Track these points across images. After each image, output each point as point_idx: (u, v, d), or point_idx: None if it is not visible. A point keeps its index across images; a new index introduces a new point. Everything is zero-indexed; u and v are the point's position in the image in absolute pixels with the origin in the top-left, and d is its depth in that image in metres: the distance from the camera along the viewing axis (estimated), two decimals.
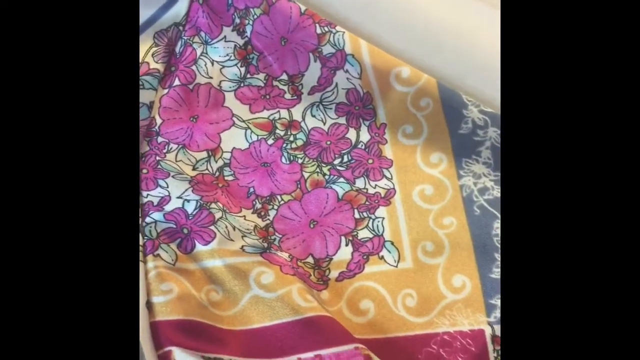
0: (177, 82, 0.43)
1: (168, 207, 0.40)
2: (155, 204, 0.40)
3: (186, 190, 0.41)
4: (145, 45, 0.44)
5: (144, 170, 0.41)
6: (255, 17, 0.44)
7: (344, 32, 0.44)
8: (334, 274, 0.41)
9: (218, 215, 0.40)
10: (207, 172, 0.43)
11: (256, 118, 0.45)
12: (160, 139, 0.42)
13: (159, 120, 0.43)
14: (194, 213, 0.40)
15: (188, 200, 0.40)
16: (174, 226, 0.40)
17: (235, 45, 0.45)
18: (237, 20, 0.45)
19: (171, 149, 0.42)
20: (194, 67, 0.44)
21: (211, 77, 0.44)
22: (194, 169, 0.43)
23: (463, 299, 0.40)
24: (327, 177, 0.44)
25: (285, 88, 0.45)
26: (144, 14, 0.45)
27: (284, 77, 0.45)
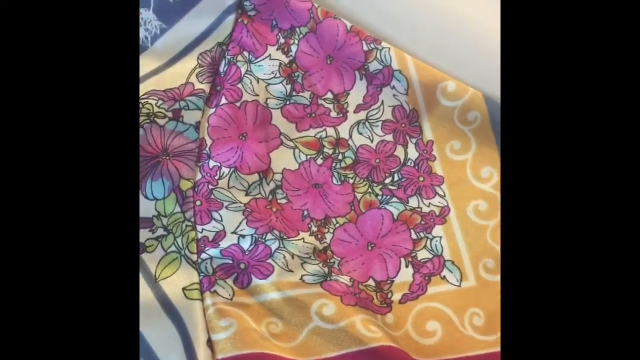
0: (224, 101, 0.42)
1: (223, 244, 0.38)
2: (210, 239, 0.38)
3: (240, 223, 0.39)
4: (188, 66, 0.43)
5: (198, 202, 0.39)
6: (301, 36, 0.44)
7: (389, 48, 0.43)
8: (396, 296, 0.40)
9: (275, 246, 0.39)
10: (260, 196, 0.41)
11: (303, 137, 0.44)
12: (212, 163, 0.40)
13: (209, 141, 0.41)
14: (250, 249, 0.38)
15: (243, 236, 0.39)
16: (230, 262, 0.38)
17: (280, 63, 0.44)
18: (282, 40, 0.44)
19: (223, 174, 0.40)
20: (239, 85, 0.43)
21: (257, 95, 0.43)
22: (247, 194, 0.41)
23: None
24: (379, 197, 0.43)
25: (331, 106, 0.44)
26: (188, 37, 0.43)
27: (329, 95, 0.45)
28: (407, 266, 0.41)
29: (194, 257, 0.38)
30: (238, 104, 0.42)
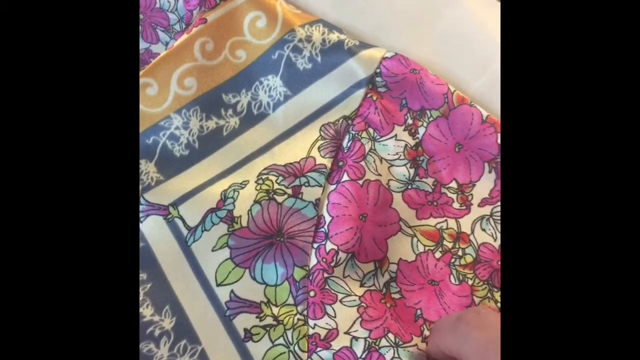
0: (345, 178, 0.39)
1: (335, 345, 0.35)
2: (322, 337, 0.35)
3: (354, 323, 0.36)
4: (310, 137, 0.41)
5: (312, 293, 0.36)
6: (432, 119, 0.41)
7: None
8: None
9: (389, 355, 0.35)
10: (374, 288, 0.38)
11: (423, 225, 0.41)
12: (329, 246, 0.37)
13: (327, 218, 0.38)
14: (363, 356, 0.35)
15: (356, 339, 0.35)
16: None
17: (405, 145, 0.41)
18: (410, 121, 0.41)
19: (340, 260, 0.37)
20: (362, 163, 0.40)
21: (380, 175, 0.40)
22: (361, 285, 0.38)
23: None
24: (499, 305, 0.39)
25: (454, 196, 0.41)
26: (312, 106, 0.41)
27: (453, 184, 0.41)
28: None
29: (304, 356, 0.35)
30: (360, 182, 0.39)
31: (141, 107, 0.40)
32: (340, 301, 0.36)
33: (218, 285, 0.37)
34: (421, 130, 0.41)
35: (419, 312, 0.38)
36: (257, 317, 0.36)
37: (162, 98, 0.40)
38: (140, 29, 0.45)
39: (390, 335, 0.36)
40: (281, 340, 0.35)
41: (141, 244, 0.38)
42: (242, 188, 0.39)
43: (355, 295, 0.37)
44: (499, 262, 0.40)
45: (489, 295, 0.39)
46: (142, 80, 0.40)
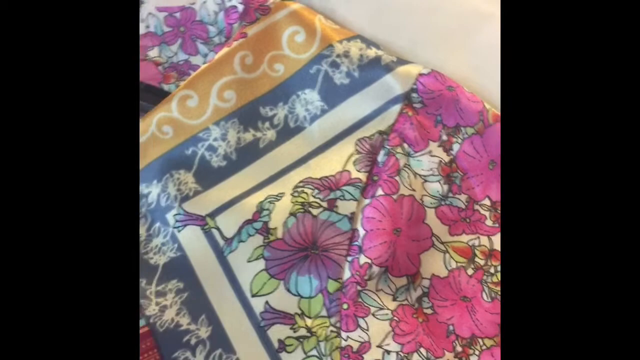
0: (380, 192, 0.40)
1: (368, 358, 0.36)
2: (354, 349, 0.36)
3: (387, 336, 0.36)
4: (346, 151, 0.41)
5: (345, 306, 0.37)
6: (466, 136, 0.41)
7: None
8: None
9: None
10: (406, 302, 0.38)
11: (455, 241, 0.41)
12: (362, 260, 0.38)
13: (362, 232, 0.39)
14: None
15: (389, 352, 0.36)
16: None
17: (440, 161, 0.41)
18: (444, 137, 0.42)
19: (373, 273, 0.38)
20: (397, 178, 0.40)
21: (414, 190, 0.41)
22: (394, 299, 0.38)
23: None
24: None
25: (487, 214, 0.41)
26: (348, 120, 0.42)
27: (486, 202, 0.41)
28: None
29: None
30: (395, 196, 0.40)
31: (181, 118, 0.41)
32: (373, 314, 0.37)
33: (253, 295, 0.37)
34: (455, 147, 0.41)
35: (451, 327, 0.38)
36: (291, 329, 0.36)
37: (202, 110, 0.41)
38: (180, 41, 0.46)
39: (423, 350, 0.36)
40: (314, 352, 0.36)
41: (178, 254, 0.39)
42: (278, 200, 0.40)
43: (388, 309, 0.37)
44: None
45: None
46: (182, 92, 0.41)
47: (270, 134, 0.42)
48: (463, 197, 0.41)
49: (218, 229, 0.39)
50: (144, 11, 0.46)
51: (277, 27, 0.43)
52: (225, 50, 0.42)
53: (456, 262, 0.40)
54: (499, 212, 0.41)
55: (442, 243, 0.40)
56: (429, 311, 0.39)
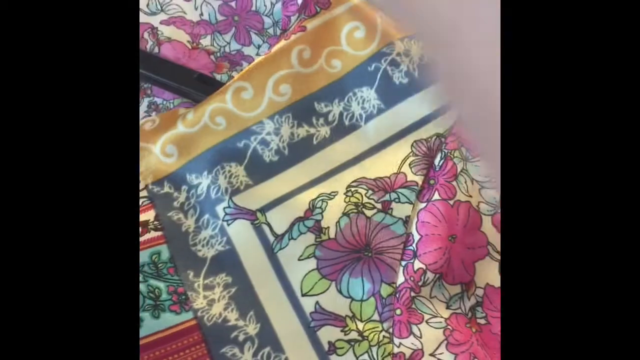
0: (436, 197, 0.39)
1: None
2: (406, 357, 0.35)
3: (440, 345, 0.35)
4: (402, 153, 0.40)
5: (398, 311, 0.36)
6: None
7: None
8: None
9: None
10: (460, 311, 0.37)
11: None
12: (417, 265, 0.37)
13: (416, 236, 0.38)
14: None
15: None
16: None
17: None
18: None
19: (427, 279, 0.37)
20: (454, 183, 0.39)
21: (470, 196, 0.39)
22: (447, 308, 0.37)
23: None
24: None
25: None
26: (405, 121, 0.41)
27: None
28: None
29: None
30: (451, 202, 0.39)
31: (234, 110, 0.40)
32: (427, 322, 0.36)
33: (303, 295, 0.37)
34: None
35: None
36: (341, 331, 0.35)
37: (257, 103, 0.40)
38: (233, 30, 0.46)
39: None
40: (365, 357, 0.35)
41: (227, 247, 0.38)
42: (331, 199, 0.39)
43: (442, 317, 0.36)
44: None
45: None
46: (237, 84, 0.41)
47: (324, 131, 0.41)
48: None
49: (268, 224, 0.38)
50: None
51: (337, 22, 0.41)
52: (283, 43, 0.41)
53: None
54: None
55: (498, 252, 0.39)
56: (482, 321, 0.37)
